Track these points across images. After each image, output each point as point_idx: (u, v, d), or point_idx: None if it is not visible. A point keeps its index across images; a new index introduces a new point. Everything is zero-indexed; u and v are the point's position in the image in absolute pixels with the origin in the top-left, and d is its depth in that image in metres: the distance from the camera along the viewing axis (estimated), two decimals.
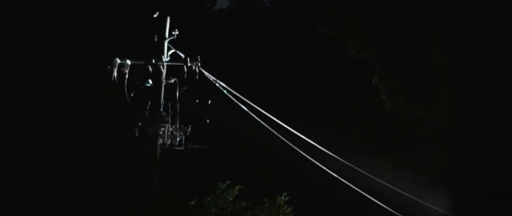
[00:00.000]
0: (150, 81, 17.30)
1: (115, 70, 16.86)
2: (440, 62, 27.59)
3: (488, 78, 26.08)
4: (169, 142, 17.62)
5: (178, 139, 17.60)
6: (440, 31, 27.36)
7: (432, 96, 28.05)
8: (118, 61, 17.00)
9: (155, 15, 17.95)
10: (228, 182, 25.68)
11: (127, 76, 16.99)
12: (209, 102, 17.83)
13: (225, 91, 17.91)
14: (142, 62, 17.24)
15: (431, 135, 29.01)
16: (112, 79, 16.78)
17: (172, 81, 17.46)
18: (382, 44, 28.49)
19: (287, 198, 26.41)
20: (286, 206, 26.47)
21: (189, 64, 17.22)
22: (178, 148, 17.69)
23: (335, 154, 20.35)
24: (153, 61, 17.27)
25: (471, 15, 26.35)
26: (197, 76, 17.29)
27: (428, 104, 28.26)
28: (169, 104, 17.46)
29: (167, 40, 17.63)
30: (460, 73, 26.66)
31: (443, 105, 27.65)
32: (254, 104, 18.44)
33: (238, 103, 18.14)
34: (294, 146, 19.61)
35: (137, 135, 17.29)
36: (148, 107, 17.17)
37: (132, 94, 16.96)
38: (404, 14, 28.26)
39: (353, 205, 27.35)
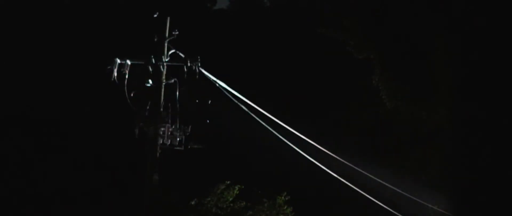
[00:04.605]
0: (150, 81, 17.28)
1: (115, 70, 16.84)
2: (440, 61, 27.60)
3: (487, 78, 26.10)
4: (169, 142, 17.60)
5: (178, 139, 17.58)
6: (439, 31, 27.39)
7: (432, 96, 28.05)
8: (118, 61, 16.98)
9: (155, 15, 17.93)
10: (228, 182, 25.66)
11: (127, 76, 16.97)
12: (209, 102, 17.82)
13: (225, 91, 17.90)
14: (142, 62, 17.22)
15: (431, 135, 29.01)
16: (112, 79, 16.77)
17: (172, 81, 17.44)
18: (382, 44, 28.49)
19: (287, 198, 26.41)
20: (286, 206, 26.47)
21: (189, 64, 17.19)
22: (178, 148, 17.68)
23: (335, 154, 20.35)
24: (153, 61, 17.25)
25: (470, 14, 26.38)
26: (197, 76, 17.27)
27: (428, 104, 28.26)
28: (169, 104, 17.44)
29: (167, 40, 17.61)
30: (460, 73, 26.67)
31: (443, 105, 27.65)
32: (254, 104, 18.43)
33: (238, 103, 18.13)
34: (294, 146, 19.62)
35: (137, 135, 17.28)
36: (148, 107, 17.15)
37: (132, 94, 16.92)
38: (404, 14, 28.27)
39: (353, 205, 27.35)
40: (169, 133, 17.55)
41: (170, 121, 17.39)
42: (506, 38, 25.89)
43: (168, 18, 17.68)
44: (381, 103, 29.00)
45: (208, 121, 18.01)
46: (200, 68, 17.42)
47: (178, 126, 17.49)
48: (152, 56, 17.18)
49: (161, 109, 17.32)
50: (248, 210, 25.99)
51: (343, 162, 20.67)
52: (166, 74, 17.44)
